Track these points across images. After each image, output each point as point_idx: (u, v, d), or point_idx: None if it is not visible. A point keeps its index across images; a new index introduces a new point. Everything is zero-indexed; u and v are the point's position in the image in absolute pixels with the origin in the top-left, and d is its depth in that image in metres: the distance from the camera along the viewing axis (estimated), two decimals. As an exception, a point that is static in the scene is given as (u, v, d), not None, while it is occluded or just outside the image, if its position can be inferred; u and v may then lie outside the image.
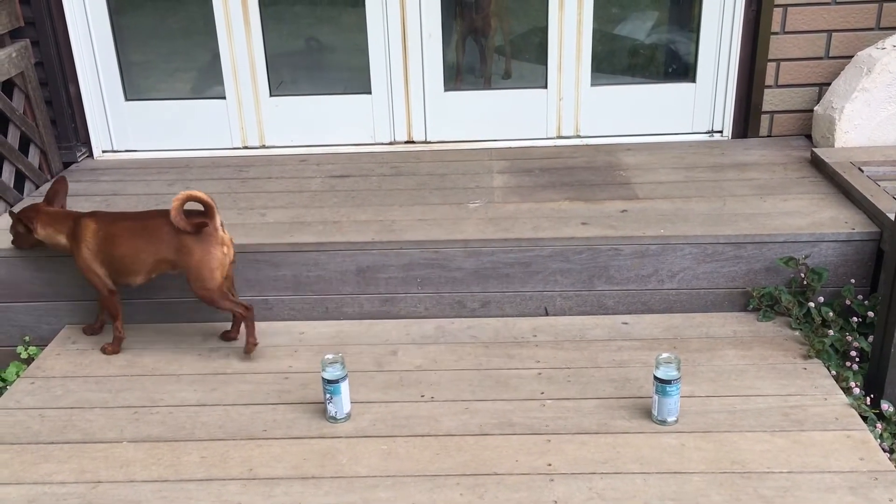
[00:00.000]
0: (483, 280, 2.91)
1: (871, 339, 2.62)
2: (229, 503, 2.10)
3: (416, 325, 2.91)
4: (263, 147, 3.84)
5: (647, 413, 2.36)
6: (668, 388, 2.29)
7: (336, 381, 2.36)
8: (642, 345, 2.72)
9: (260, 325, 2.93)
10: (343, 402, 2.39)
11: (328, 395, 2.38)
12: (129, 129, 3.83)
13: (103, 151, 3.85)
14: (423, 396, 2.51)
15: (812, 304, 2.76)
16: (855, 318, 2.73)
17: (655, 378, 2.31)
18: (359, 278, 2.93)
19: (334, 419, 2.40)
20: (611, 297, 2.91)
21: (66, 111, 3.71)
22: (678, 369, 2.29)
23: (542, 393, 2.50)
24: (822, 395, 2.43)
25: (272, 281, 2.95)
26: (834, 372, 2.54)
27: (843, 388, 2.46)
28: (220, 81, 3.74)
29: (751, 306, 2.86)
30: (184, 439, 2.35)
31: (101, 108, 3.79)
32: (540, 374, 2.59)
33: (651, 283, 2.89)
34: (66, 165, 3.74)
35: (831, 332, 2.68)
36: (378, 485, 2.15)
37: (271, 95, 3.77)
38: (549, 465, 2.19)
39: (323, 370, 2.38)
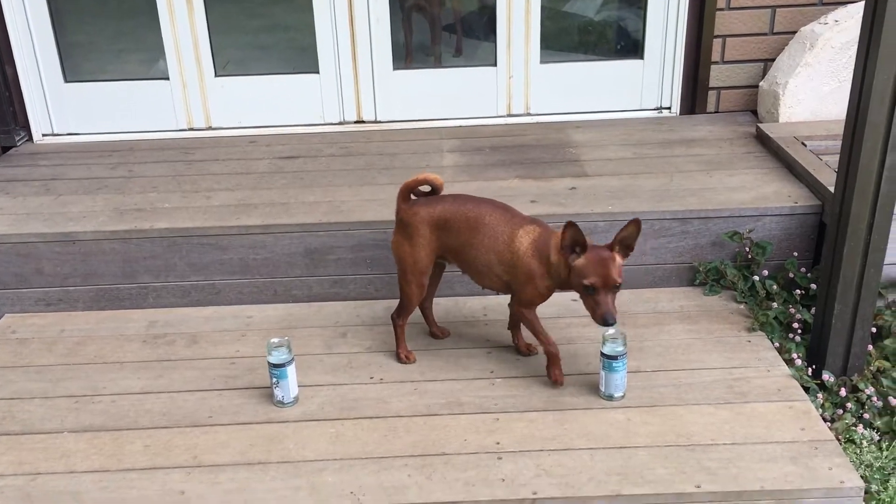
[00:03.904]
0: (432, 260, 2.89)
1: (813, 311, 2.66)
2: (173, 491, 2.07)
3: (367, 306, 2.89)
4: (210, 129, 3.76)
5: (595, 389, 2.37)
6: (614, 364, 2.30)
7: (282, 365, 2.33)
8: (591, 321, 2.72)
9: (206, 311, 2.91)
10: (290, 386, 2.36)
11: (274, 380, 2.35)
12: (69, 111, 3.73)
13: (43, 135, 3.75)
14: (372, 378, 2.50)
15: (756, 278, 2.80)
16: (798, 291, 2.77)
17: (602, 354, 2.32)
18: (307, 260, 2.90)
19: (282, 403, 2.37)
20: (560, 275, 2.91)
21: (3, 94, 3.60)
22: (624, 345, 2.31)
23: (492, 372, 2.50)
24: (765, 367, 2.46)
25: (219, 265, 2.90)
26: (777, 344, 2.58)
27: (785, 360, 2.50)
28: (164, 62, 3.65)
29: (697, 281, 2.89)
30: (127, 428, 2.30)
31: (39, 90, 3.68)
32: (489, 353, 2.59)
33: (600, 260, 2.89)
34: (6, 150, 3.64)
35: (775, 304, 2.72)
36: (325, 468, 2.13)
37: (217, 76, 3.69)
38: (498, 443, 2.19)
39: (268, 354, 2.34)
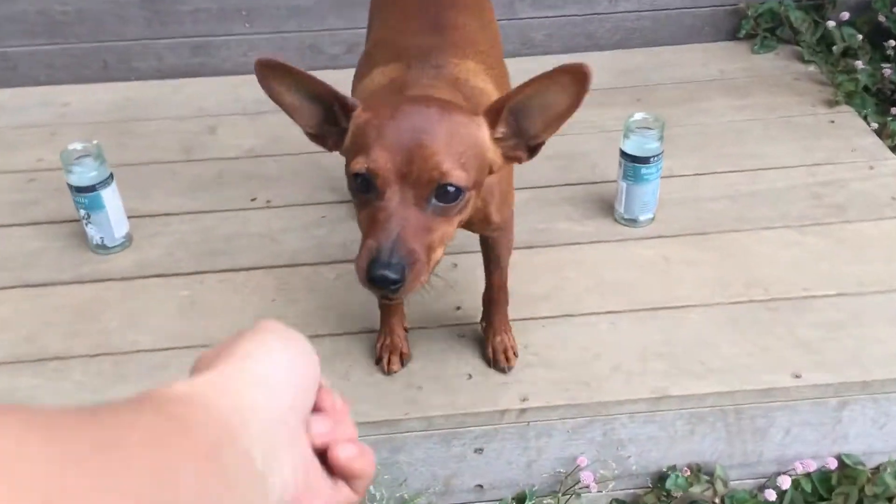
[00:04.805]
0: (347, 6, 1.90)
1: (915, 71, 1.80)
2: None
3: (247, 83, 1.89)
4: None
5: (608, 208, 1.51)
6: (643, 172, 1.41)
7: (92, 189, 1.40)
8: (590, 99, 1.80)
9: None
10: (112, 220, 1.44)
11: (84, 213, 1.42)
12: None
13: None
14: (254, 200, 1.59)
15: (832, 23, 1.89)
16: (892, 43, 1.88)
17: (622, 154, 1.42)
18: (149, 13, 1.91)
19: (103, 248, 1.46)
20: (539, 29, 1.99)
21: None
22: (661, 139, 1.41)
23: (442, 182, 1.59)
24: (865, 161, 1.61)
25: (8, 22, 1.92)
26: (874, 124, 1.72)
27: (891, 148, 1.65)
28: None
29: (743, 32, 1.99)
30: None
31: None
32: (438, 151, 1.68)
33: (599, 5, 1.99)
34: None
35: (860, 64, 1.83)
36: (170, 363, 1.27)
37: None
38: (458, 308, 1.34)
39: (66, 172, 1.40)
